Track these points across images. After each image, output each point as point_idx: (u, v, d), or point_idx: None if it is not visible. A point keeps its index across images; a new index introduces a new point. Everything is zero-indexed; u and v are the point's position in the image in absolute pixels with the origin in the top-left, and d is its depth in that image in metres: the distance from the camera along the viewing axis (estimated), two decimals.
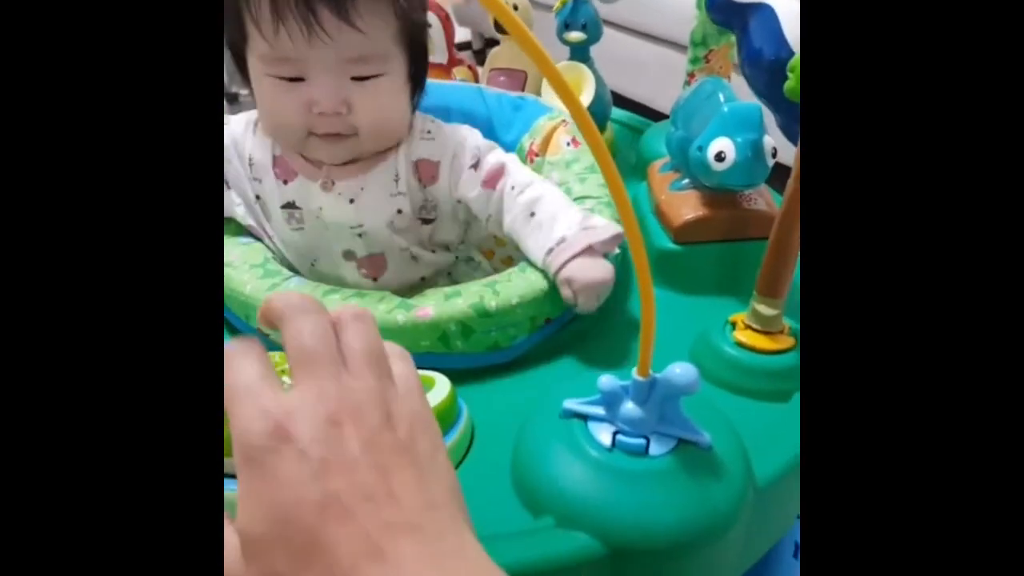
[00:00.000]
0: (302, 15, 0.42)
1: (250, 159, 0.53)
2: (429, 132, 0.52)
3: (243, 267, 0.51)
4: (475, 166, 0.52)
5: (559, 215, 0.48)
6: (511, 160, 0.53)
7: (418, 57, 0.50)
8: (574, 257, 0.46)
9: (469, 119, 0.66)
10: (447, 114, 0.66)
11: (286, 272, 0.51)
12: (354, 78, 0.45)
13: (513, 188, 0.51)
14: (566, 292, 0.46)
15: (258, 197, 0.53)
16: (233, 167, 0.53)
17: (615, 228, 0.48)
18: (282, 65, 0.45)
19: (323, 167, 0.51)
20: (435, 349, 0.45)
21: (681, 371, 0.32)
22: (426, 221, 0.54)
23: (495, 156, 0.53)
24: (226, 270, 0.51)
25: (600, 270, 0.46)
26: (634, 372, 0.33)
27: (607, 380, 0.34)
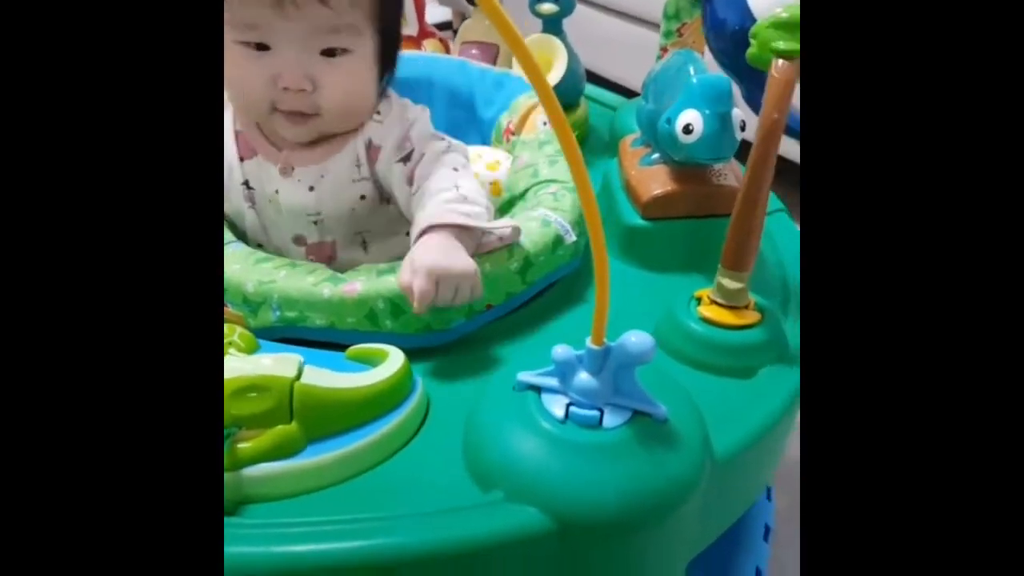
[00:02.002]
0: None
1: None
2: (379, 113, 0.49)
3: None
4: (405, 159, 0.49)
5: (429, 200, 0.45)
6: (434, 152, 0.48)
7: (389, 39, 0.48)
8: (425, 232, 0.42)
9: (452, 93, 0.65)
10: (430, 87, 0.64)
11: (228, 237, 0.49)
12: (323, 52, 0.44)
13: (414, 186, 0.48)
14: (403, 276, 0.40)
15: None
16: None
17: (500, 224, 0.45)
18: (248, 31, 0.43)
19: (283, 150, 0.49)
20: (362, 327, 0.43)
21: (636, 339, 0.31)
22: (390, 201, 0.52)
23: (428, 148, 0.49)
24: None
25: (445, 257, 0.40)
26: (588, 340, 0.32)
27: (561, 350, 0.33)
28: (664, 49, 0.67)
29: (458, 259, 0.41)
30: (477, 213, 0.45)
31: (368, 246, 0.53)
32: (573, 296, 0.52)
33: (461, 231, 0.43)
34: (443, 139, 0.50)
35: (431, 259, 0.40)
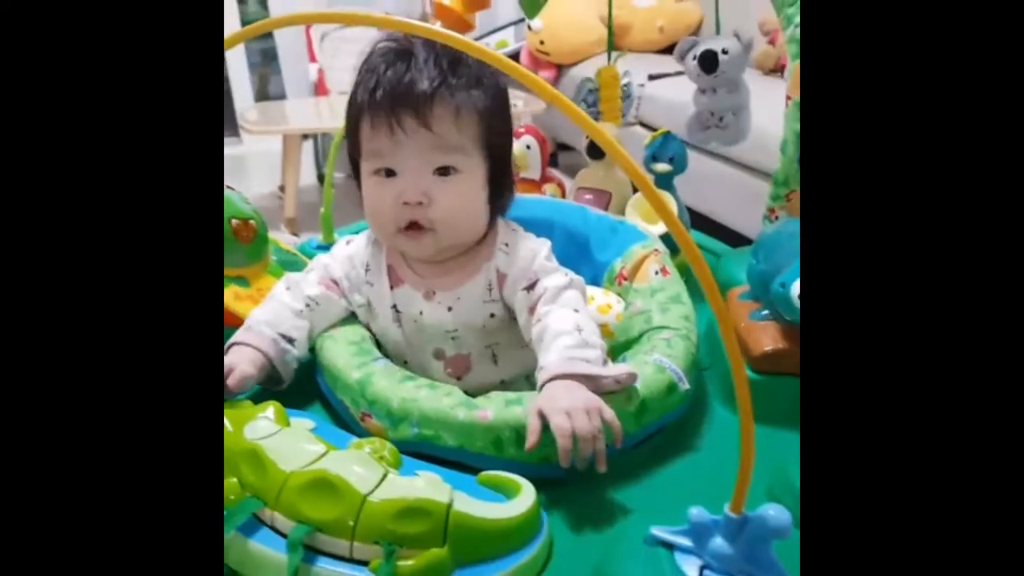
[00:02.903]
0: (387, 120, 0.50)
1: (367, 266, 0.59)
2: (507, 245, 0.56)
3: (341, 341, 0.56)
4: (529, 288, 0.54)
5: (552, 343, 0.49)
6: (555, 288, 0.53)
7: (498, 165, 0.55)
8: (549, 381, 0.46)
9: (570, 235, 0.72)
10: (550, 226, 0.71)
11: (376, 353, 0.55)
12: (437, 172, 0.51)
13: (535, 317, 0.52)
14: (532, 422, 0.44)
15: (368, 300, 0.59)
16: (356, 273, 0.59)
17: (618, 369, 0.48)
18: (376, 159, 0.52)
19: (422, 278, 0.57)
20: (488, 451, 0.47)
21: (775, 513, 0.33)
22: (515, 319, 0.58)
23: (550, 281, 0.53)
24: (326, 342, 0.56)
25: (569, 395, 0.44)
26: (727, 508, 0.34)
27: (697, 512, 0.35)
28: (772, 211, 0.73)
29: (581, 394, 0.46)
30: (596, 357, 0.49)
31: (498, 359, 0.59)
32: (679, 440, 0.54)
33: (583, 378, 0.47)
34: (564, 274, 0.55)
35: (558, 402, 0.45)
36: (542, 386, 0.47)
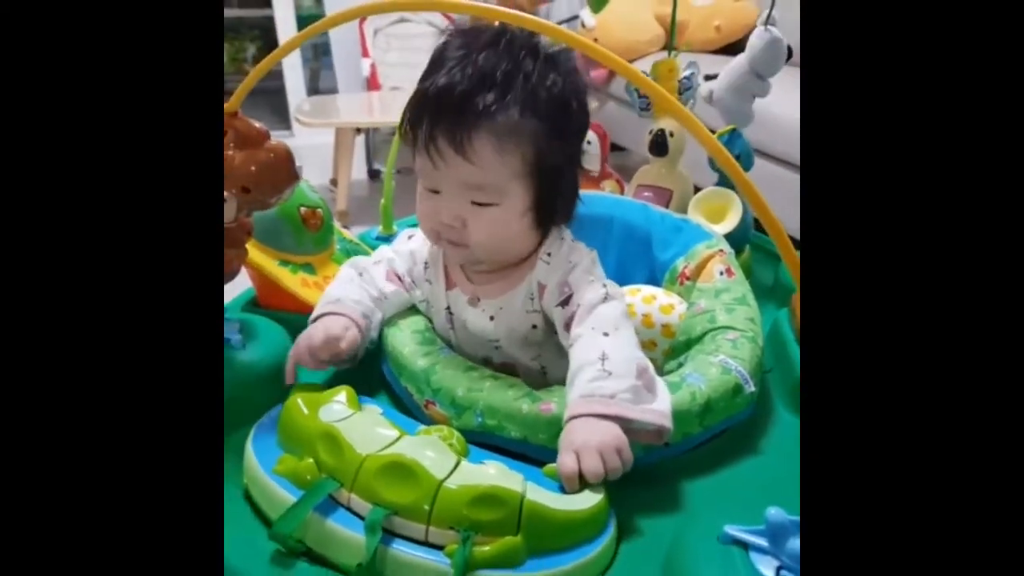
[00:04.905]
0: (427, 146, 0.50)
1: (425, 263, 0.60)
2: (549, 255, 0.54)
3: (406, 330, 0.57)
4: (564, 302, 0.52)
5: (575, 378, 0.46)
6: (588, 304, 0.51)
7: (546, 193, 0.51)
8: (571, 420, 0.44)
9: (629, 231, 0.72)
10: (610, 222, 0.71)
11: (440, 343, 0.56)
12: (473, 202, 0.51)
13: (570, 337, 0.50)
14: (566, 462, 0.42)
15: (427, 299, 0.60)
16: (417, 270, 0.60)
17: (655, 410, 0.45)
18: (423, 178, 0.53)
19: (471, 284, 0.57)
20: (551, 444, 0.46)
21: None
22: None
23: (584, 296, 0.51)
24: (391, 330, 0.58)
25: (594, 433, 0.42)
26: None
27: (776, 512, 0.35)
28: None
29: (598, 434, 0.43)
30: (622, 390, 0.44)
31: (546, 371, 0.58)
32: (743, 442, 0.53)
33: (605, 417, 0.43)
34: (601, 286, 0.52)
35: (572, 437, 0.43)
36: (565, 424, 0.45)
